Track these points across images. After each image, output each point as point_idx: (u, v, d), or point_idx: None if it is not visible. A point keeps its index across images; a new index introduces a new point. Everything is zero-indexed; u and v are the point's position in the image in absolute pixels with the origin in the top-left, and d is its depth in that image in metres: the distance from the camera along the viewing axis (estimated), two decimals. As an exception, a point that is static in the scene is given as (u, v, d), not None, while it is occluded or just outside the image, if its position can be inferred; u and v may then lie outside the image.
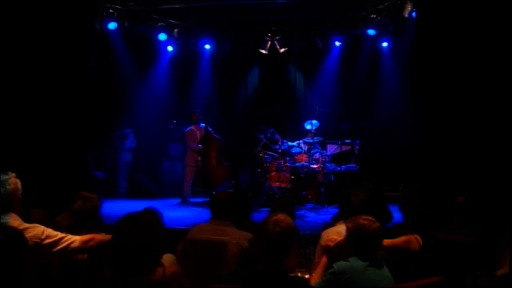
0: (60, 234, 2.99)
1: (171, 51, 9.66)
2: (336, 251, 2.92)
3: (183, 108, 9.75)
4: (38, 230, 2.92)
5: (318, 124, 8.07)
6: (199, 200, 8.70)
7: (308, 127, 8.04)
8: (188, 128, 8.61)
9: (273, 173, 8.10)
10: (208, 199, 4.00)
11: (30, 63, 6.78)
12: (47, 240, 2.91)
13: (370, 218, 2.83)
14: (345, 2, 8.43)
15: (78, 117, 7.74)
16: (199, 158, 8.42)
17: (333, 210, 7.37)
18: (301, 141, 8.33)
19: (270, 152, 8.29)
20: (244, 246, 3.52)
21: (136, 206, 7.20)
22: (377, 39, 8.93)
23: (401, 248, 3.29)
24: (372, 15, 8.34)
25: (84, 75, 7.14)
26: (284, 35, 9.41)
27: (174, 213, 7.42)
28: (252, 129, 8.57)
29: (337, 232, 3.40)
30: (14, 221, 2.94)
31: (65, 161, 7.13)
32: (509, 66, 6.49)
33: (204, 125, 8.45)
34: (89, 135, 7.49)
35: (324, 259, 3.04)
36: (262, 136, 8.43)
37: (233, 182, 8.65)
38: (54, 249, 2.92)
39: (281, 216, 2.51)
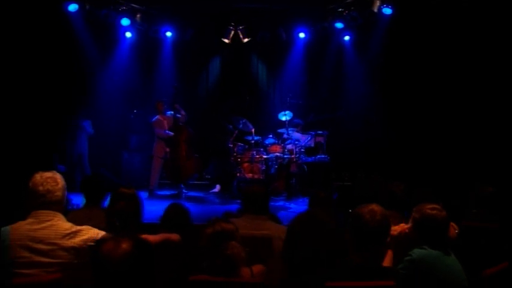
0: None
1: (132, 38, 9.17)
2: (400, 240, 2.94)
3: (144, 97, 9.34)
4: (92, 232, 2.68)
5: (291, 115, 8.11)
6: (167, 192, 8.43)
7: (283, 118, 8.05)
8: (155, 118, 8.24)
9: (246, 164, 8.04)
10: (242, 192, 3.85)
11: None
12: (104, 243, 2.66)
13: (436, 206, 2.85)
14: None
15: (43, 108, 7.21)
16: (167, 149, 8.12)
17: (309, 200, 7.47)
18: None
19: (241, 144, 8.20)
20: (286, 240, 3.47)
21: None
22: (342, 32, 9.10)
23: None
24: (340, 9, 8.50)
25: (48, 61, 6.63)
26: (248, 24, 9.33)
27: (146, 207, 7.10)
28: (222, 120, 8.43)
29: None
30: (64, 223, 2.68)
31: (28, 154, 6.61)
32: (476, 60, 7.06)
33: (171, 112, 8.16)
34: (54, 126, 7.00)
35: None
36: (231, 127, 8.32)
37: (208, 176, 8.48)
38: (111, 253, 2.69)
39: (375, 206, 2.46)
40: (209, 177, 9.23)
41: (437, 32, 7.65)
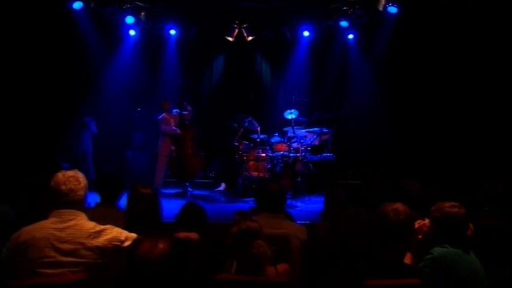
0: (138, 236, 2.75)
1: (136, 36, 9.16)
2: (420, 238, 2.94)
3: (149, 95, 9.33)
4: (116, 232, 2.66)
5: (297, 113, 8.11)
6: (172, 191, 8.42)
7: (289, 117, 8.05)
8: (161, 115, 8.23)
9: (251, 163, 8.01)
10: (258, 191, 3.83)
11: None
12: (128, 243, 2.65)
13: (455, 204, 2.86)
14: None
15: (47, 106, 7.19)
16: (173, 148, 8.11)
17: (315, 198, 7.49)
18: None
19: (246, 142, 8.20)
20: (302, 239, 3.47)
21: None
22: (346, 31, 9.09)
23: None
24: (345, 7, 8.50)
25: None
26: (252, 23, 9.32)
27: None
28: (227, 118, 8.42)
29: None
30: (87, 222, 2.67)
31: (33, 152, 6.60)
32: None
33: (177, 110, 8.15)
34: (58, 124, 6.98)
35: None
36: (236, 125, 8.32)
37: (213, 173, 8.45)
38: (135, 252, 2.68)
39: (399, 206, 2.48)
40: (213, 175, 9.22)
41: (443, 31, 7.67)
